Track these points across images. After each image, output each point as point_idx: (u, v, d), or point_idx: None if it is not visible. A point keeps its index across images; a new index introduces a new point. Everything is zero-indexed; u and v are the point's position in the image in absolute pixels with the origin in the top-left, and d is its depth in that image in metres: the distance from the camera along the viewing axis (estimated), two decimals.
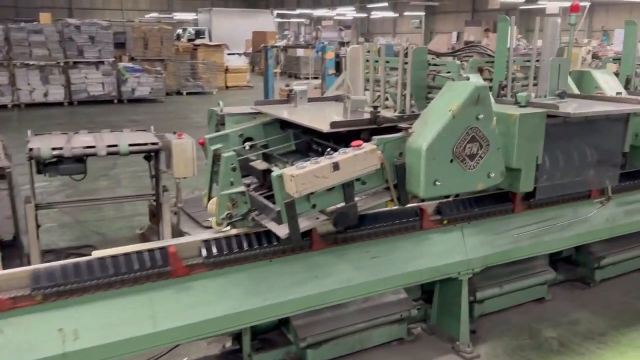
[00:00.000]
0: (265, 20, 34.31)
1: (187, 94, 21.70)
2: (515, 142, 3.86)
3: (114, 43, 21.97)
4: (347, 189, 3.01)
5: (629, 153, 4.54)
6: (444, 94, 3.29)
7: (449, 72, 3.66)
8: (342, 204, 3.04)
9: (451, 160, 3.19)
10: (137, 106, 18.74)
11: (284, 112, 3.70)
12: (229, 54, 24.32)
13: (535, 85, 4.90)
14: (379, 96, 4.00)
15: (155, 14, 41.54)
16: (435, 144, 3.11)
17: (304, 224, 2.94)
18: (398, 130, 3.22)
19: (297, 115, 3.56)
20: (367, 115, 3.25)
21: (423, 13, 37.80)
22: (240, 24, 33.03)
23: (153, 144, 4.87)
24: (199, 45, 23.85)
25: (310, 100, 4.20)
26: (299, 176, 2.73)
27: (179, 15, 42.16)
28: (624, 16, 28.60)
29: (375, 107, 3.21)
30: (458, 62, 4.45)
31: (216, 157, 3.32)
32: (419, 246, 3.97)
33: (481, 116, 3.20)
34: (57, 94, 18.25)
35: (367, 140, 3.22)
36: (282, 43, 31.19)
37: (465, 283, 4.22)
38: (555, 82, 4.53)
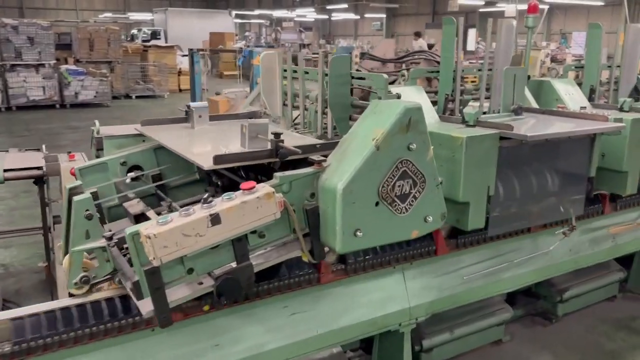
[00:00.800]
0: (224, 21, 33.38)
1: (137, 97, 20.72)
2: (462, 170, 3.21)
3: (59, 44, 20.82)
4: (238, 245, 2.27)
5: (594, 176, 3.92)
6: (367, 117, 2.58)
7: (372, 88, 2.95)
8: (233, 265, 2.29)
9: (376, 204, 2.47)
10: (81, 111, 17.72)
11: (168, 137, 2.93)
12: (182, 56, 23.34)
13: (488, 98, 4.25)
14: (298, 115, 3.27)
15: (109, 14, 40.08)
16: (355, 182, 2.39)
17: (177, 295, 2.18)
18: (310, 163, 2.48)
19: (182, 142, 2.79)
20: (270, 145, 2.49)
21: (384, 15, 37.42)
22: (198, 24, 32.06)
23: (36, 168, 4.03)
24: (149, 46, 22.81)
25: (215, 118, 3.44)
26: (159, 236, 1.97)
27: (135, 16, 40.81)
28: (582, 19, 28.76)
29: (277, 135, 2.46)
30: (389, 75, 3.76)
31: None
32: (350, 295, 3.26)
33: (414, 146, 2.49)
34: None
35: (275, 171, 2.49)
36: (241, 44, 30.36)
37: (407, 335, 3.54)
38: (510, 95, 3.88)
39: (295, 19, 37.20)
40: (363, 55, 6.44)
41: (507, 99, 3.84)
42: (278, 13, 37.96)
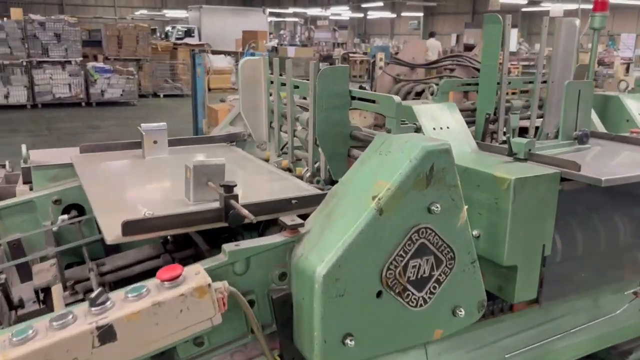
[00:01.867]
0: (258, 19, 32.88)
1: (165, 96, 20.32)
2: (508, 224, 2.33)
3: (90, 42, 20.57)
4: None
5: None
6: (368, 160, 1.73)
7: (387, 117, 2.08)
8: None
9: (378, 294, 1.63)
10: (106, 110, 17.38)
11: (97, 173, 2.14)
12: (212, 54, 22.85)
13: (540, 118, 3.34)
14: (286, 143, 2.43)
15: (145, 11, 40.16)
16: (344, 265, 1.55)
17: None
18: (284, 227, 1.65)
19: (112, 184, 1.98)
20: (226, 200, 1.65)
21: (421, 14, 36.21)
22: (231, 22, 31.65)
23: None
24: (179, 44, 22.37)
25: (180, 143, 2.63)
26: None
27: (171, 13, 40.76)
28: (632, 20, 27.04)
29: (228, 187, 1.63)
30: (419, 84, 2.88)
31: None
32: None
33: (437, 207, 1.64)
34: (19, 95, 16.86)
35: (231, 240, 1.67)
36: (273, 43, 29.81)
37: None
38: (572, 116, 2.96)
39: (330, 17, 36.39)
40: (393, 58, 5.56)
41: (568, 121, 2.92)
42: (313, 11, 37.19)
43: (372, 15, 39.95)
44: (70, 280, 1.95)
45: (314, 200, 1.78)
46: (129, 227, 1.51)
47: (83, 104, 17.78)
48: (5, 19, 17.49)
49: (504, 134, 3.18)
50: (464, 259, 1.77)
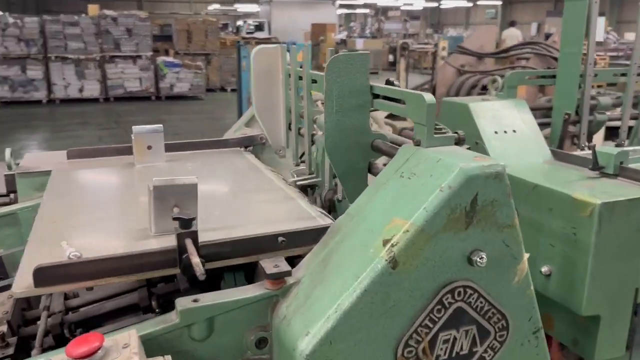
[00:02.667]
0: (327, 12, 32.54)
1: (232, 90, 20.34)
2: (590, 261, 1.76)
3: (161, 36, 20.94)
4: None
5: None
6: (385, 185, 1.23)
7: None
8: None
9: None
10: (174, 104, 17.56)
11: (66, 186, 1.75)
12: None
13: (635, 119, 2.68)
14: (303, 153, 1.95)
15: (218, 6, 40.82)
16: (339, 341, 1.07)
17: None
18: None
19: (57, 207, 1.57)
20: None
21: (499, 2, 34.45)
22: (301, 16, 31.55)
23: None
24: (248, 38, 22.37)
25: (182, 147, 2.22)
26: None
27: (242, 7, 41.22)
28: None
29: (184, 221, 1.18)
30: (487, 76, 2.33)
31: None
32: None
33: (482, 257, 1.11)
34: (92, 89, 17.34)
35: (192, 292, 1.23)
36: (342, 35, 29.40)
37: None
38: None
39: (402, 7, 35.38)
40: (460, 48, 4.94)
41: None
42: (384, 2, 36.30)
43: (446, 4, 38.51)
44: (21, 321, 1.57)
45: (310, 237, 1.30)
46: (42, 275, 1.09)
47: (153, 97, 18.06)
48: (83, 15, 18.02)
49: (589, 140, 2.56)
50: (522, 329, 1.23)
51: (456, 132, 1.29)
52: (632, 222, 1.78)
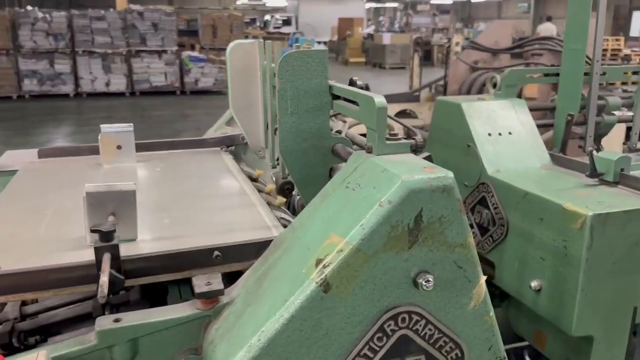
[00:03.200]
0: (355, 6, 32.36)
1: None
2: (581, 277, 1.62)
3: (188, 31, 21.05)
4: None
5: None
6: (330, 196, 1.11)
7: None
8: None
9: None
10: (198, 98, 17.65)
11: (20, 187, 1.68)
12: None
13: None
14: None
15: (246, 1, 40.92)
16: None
17: None
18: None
19: (27, 206, 1.48)
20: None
21: None
22: (328, 10, 31.45)
23: None
24: (273, 33, 22.38)
25: (154, 147, 2.14)
26: None
27: (270, 2, 41.24)
28: None
29: (103, 233, 1.08)
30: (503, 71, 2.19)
31: None
32: None
33: (428, 279, 0.99)
34: (119, 83, 17.52)
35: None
36: (369, 30, 29.14)
37: None
38: None
39: (432, 1, 34.86)
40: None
41: None
42: None
43: None
44: None
45: (252, 251, 1.19)
46: None
47: (178, 92, 18.17)
48: (110, 9, 18.23)
49: (597, 143, 2.38)
50: (480, 359, 1.10)
51: (413, 139, 1.16)
52: (628, 235, 1.62)
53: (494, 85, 2.32)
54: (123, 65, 17.41)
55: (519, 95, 2.61)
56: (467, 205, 2.13)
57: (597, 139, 2.52)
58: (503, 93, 2.27)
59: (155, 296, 1.44)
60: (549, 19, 17.77)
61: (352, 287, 0.98)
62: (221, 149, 2.22)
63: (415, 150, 1.16)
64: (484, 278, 1.06)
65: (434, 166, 1.04)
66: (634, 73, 2.50)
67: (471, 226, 2.09)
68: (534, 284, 1.80)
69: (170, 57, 17.77)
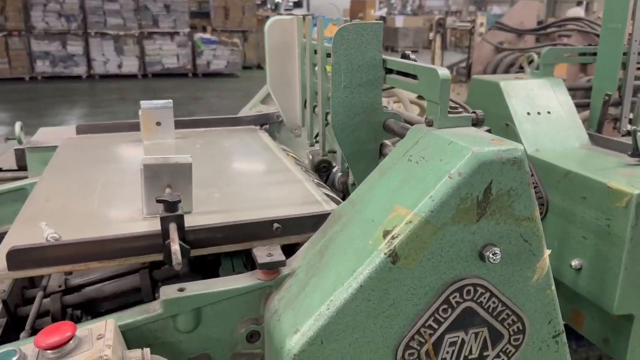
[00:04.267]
0: None
1: None
2: (624, 255, 1.61)
3: (200, 13, 20.93)
4: None
5: None
6: (391, 169, 1.11)
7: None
8: None
9: None
10: (210, 81, 17.60)
11: (70, 163, 1.69)
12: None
13: None
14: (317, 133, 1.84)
15: None
16: (331, 341, 0.97)
17: None
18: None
19: (56, 182, 1.50)
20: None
21: None
22: None
23: None
24: (283, 15, 22.14)
25: (194, 124, 2.14)
26: None
27: None
28: None
29: (168, 203, 1.09)
30: (529, 52, 2.16)
31: None
32: None
33: (495, 252, 0.99)
34: (131, 65, 17.50)
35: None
36: (382, 12, 28.86)
37: None
38: None
39: None
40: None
41: None
42: None
43: None
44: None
45: (309, 224, 1.20)
46: (16, 258, 1.03)
47: (190, 74, 18.12)
48: None
49: (630, 122, 2.36)
50: (541, 332, 1.10)
51: (474, 112, 1.15)
52: None
53: (530, 64, 2.30)
54: (135, 47, 17.37)
55: None
56: None
57: (632, 120, 2.49)
58: (541, 72, 2.25)
59: (204, 270, 1.45)
60: (579, 3, 17.57)
61: (420, 258, 0.98)
62: (256, 127, 2.22)
63: (476, 124, 1.15)
64: (548, 252, 1.06)
65: (502, 139, 1.03)
66: None
67: None
68: (575, 262, 1.79)
69: (182, 39, 17.71)
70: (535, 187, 1.98)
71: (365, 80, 1.33)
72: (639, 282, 1.67)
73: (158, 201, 1.09)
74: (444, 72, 1.10)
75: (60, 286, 1.60)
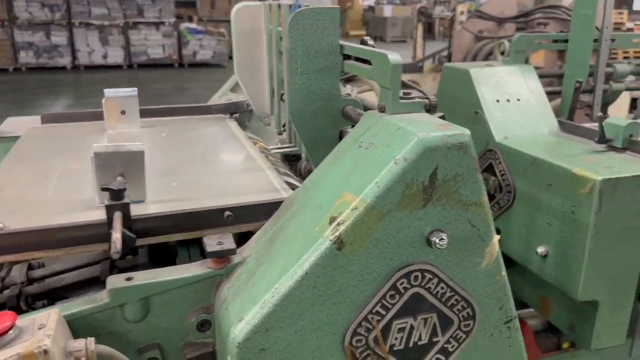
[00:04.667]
0: None
1: None
2: (588, 242, 1.62)
3: (185, 2, 20.72)
4: None
5: None
6: (343, 156, 1.10)
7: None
8: None
9: None
10: (196, 71, 17.45)
11: (25, 150, 1.66)
12: None
13: None
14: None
15: None
16: (276, 328, 0.96)
17: None
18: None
19: (12, 172, 1.47)
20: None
21: None
22: None
23: None
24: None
25: (159, 113, 2.12)
26: None
27: None
28: None
29: (114, 192, 1.07)
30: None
31: None
32: None
33: (442, 238, 0.98)
34: (116, 56, 17.31)
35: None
36: (371, 2, 28.72)
37: None
38: None
39: None
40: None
41: None
42: None
43: None
44: None
45: (262, 211, 1.18)
46: None
47: (176, 65, 17.96)
48: None
49: (604, 111, 2.37)
50: (491, 318, 1.10)
51: (427, 98, 1.14)
52: (637, 200, 1.62)
53: (502, 52, 2.29)
54: (120, 37, 17.18)
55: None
56: None
57: (604, 107, 2.50)
58: (511, 59, 2.25)
59: (163, 260, 1.44)
60: None
61: (366, 245, 0.98)
62: (225, 115, 2.20)
63: (429, 110, 1.14)
64: (497, 237, 1.06)
65: (449, 124, 1.02)
66: None
67: None
68: (541, 249, 1.80)
69: (168, 29, 17.54)
70: (502, 175, 1.98)
71: (323, 67, 1.32)
72: (603, 269, 1.68)
73: (103, 189, 1.07)
74: (394, 57, 1.09)
75: (22, 281, 1.58)
